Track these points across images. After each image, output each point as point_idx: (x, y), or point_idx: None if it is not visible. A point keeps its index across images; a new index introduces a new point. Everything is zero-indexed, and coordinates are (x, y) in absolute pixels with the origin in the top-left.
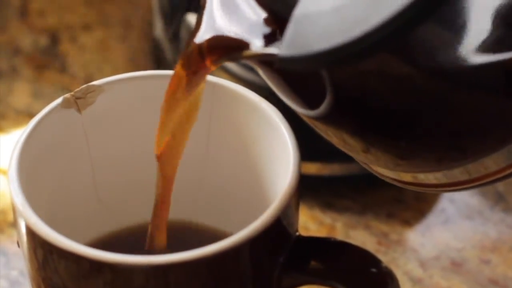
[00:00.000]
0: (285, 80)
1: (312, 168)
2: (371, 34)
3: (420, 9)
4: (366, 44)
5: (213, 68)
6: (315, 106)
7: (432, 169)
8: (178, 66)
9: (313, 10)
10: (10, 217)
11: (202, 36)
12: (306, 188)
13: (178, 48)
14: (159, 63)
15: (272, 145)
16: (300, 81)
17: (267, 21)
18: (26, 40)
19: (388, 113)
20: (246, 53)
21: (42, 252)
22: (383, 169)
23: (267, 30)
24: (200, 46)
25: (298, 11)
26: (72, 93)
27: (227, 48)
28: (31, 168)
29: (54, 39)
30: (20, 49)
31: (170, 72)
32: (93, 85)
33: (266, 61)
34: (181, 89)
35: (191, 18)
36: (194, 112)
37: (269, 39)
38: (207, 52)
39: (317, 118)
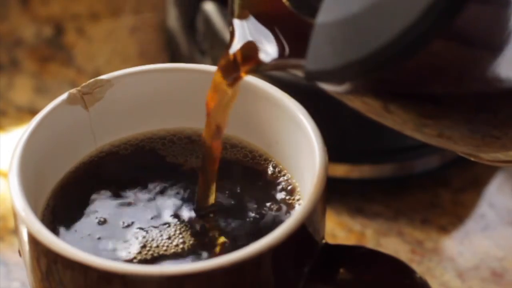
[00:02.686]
0: None
1: (340, 170)
2: (389, 46)
3: (429, 28)
4: (385, 56)
5: (245, 75)
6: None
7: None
8: (217, 75)
9: (334, 18)
10: (11, 223)
11: (235, 46)
12: (333, 192)
13: (194, 39)
14: (173, 55)
15: (296, 144)
16: None
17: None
18: (29, 31)
19: (408, 74)
20: (273, 63)
21: (46, 262)
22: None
23: (281, 39)
24: (234, 56)
25: (320, 20)
26: (78, 88)
27: (255, 58)
28: (34, 170)
29: (59, 30)
30: (22, 40)
31: (184, 65)
32: (101, 80)
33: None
34: (219, 91)
35: (208, 6)
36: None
37: (282, 48)
38: (241, 62)
39: (341, 92)
